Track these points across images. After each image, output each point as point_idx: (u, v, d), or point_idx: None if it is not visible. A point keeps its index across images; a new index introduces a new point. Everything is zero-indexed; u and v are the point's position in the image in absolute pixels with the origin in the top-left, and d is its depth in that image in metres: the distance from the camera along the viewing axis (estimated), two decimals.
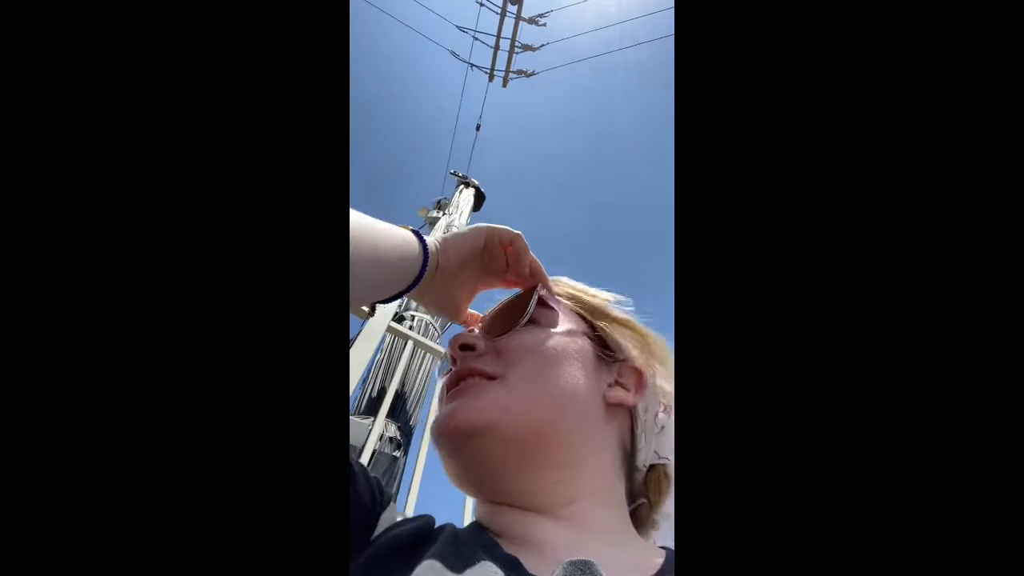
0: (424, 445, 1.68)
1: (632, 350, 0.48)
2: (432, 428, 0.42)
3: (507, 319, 0.46)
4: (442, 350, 2.30)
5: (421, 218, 4.91)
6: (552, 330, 0.45)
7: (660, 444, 0.49)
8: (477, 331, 0.48)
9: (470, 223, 4.88)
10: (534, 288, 0.48)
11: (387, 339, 2.50)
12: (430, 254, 0.46)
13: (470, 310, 0.53)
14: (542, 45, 8.10)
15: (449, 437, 0.40)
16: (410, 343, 2.27)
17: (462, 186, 5.27)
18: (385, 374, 2.40)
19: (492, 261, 0.50)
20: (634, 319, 0.51)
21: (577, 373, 0.43)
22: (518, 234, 0.49)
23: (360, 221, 0.39)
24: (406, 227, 0.46)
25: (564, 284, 0.53)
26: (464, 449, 0.40)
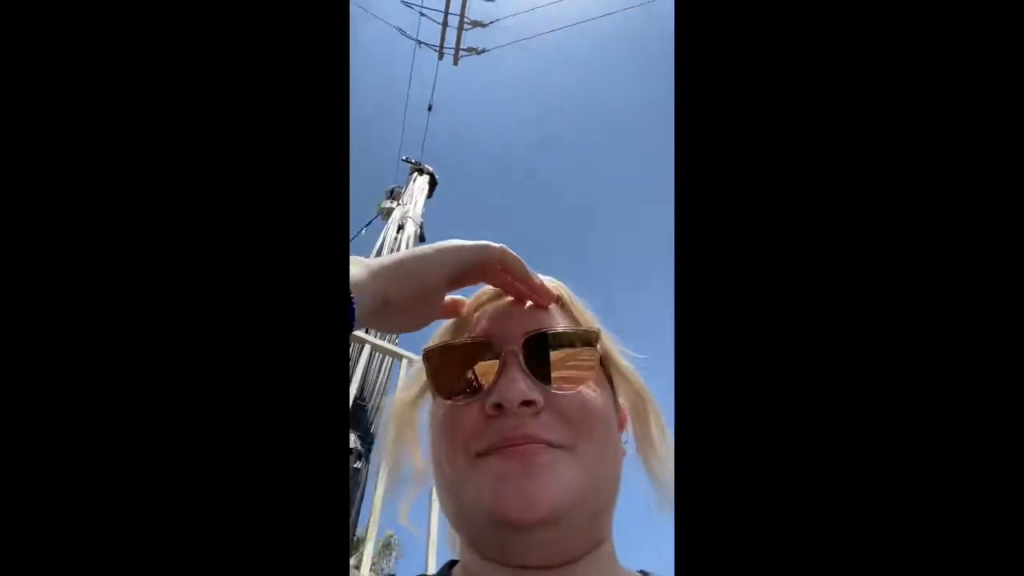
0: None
1: (623, 397, 0.45)
2: (493, 509, 0.34)
3: (563, 363, 0.38)
4: (403, 353, 2.23)
5: (376, 211, 4.75)
6: (601, 386, 0.40)
7: None
8: (526, 377, 0.37)
9: (424, 212, 4.77)
10: (595, 337, 0.41)
11: None
12: (369, 298, 0.37)
13: (450, 297, 0.44)
14: (492, 22, 7.89)
15: (525, 526, 0.33)
16: (367, 347, 2.21)
17: (415, 173, 5.13)
18: None
19: (471, 280, 0.43)
20: (635, 371, 0.46)
21: (619, 440, 0.41)
22: (506, 249, 0.41)
23: None
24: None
25: (580, 309, 0.46)
26: (527, 535, 0.34)
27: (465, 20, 7.48)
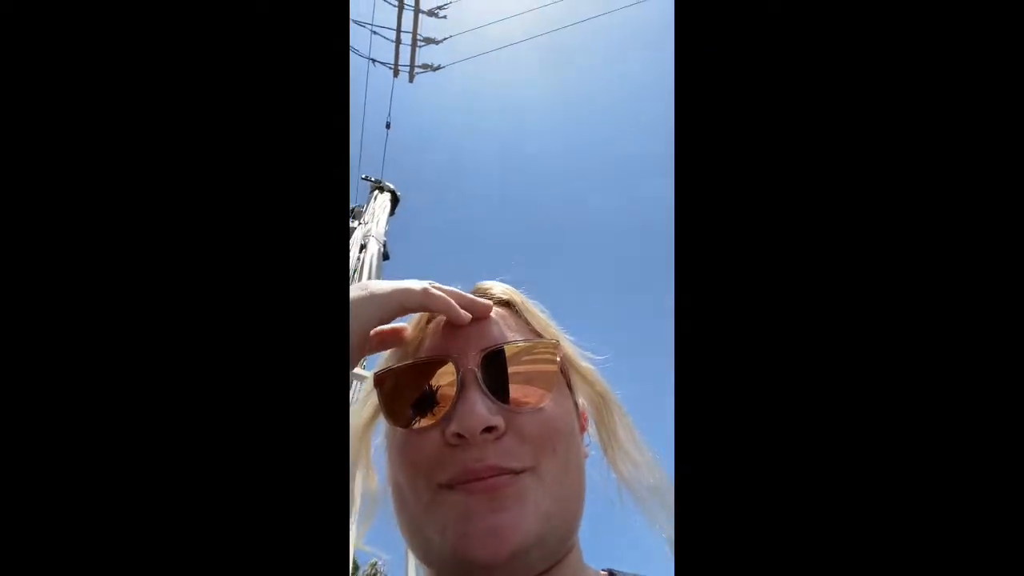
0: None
1: (583, 399, 0.45)
2: (459, 549, 0.33)
3: (522, 378, 0.37)
4: (361, 372, 2.16)
5: None
6: (562, 399, 0.39)
7: None
8: (485, 399, 0.36)
9: (387, 230, 4.72)
10: (553, 347, 0.40)
11: None
12: None
13: (388, 327, 0.42)
14: (445, 38, 7.95)
15: (494, 565, 0.32)
16: None
17: (376, 191, 5.08)
18: None
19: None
20: (594, 371, 0.46)
21: (581, 445, 0.40)
22: (426, 291, 0.38)
23: None
24: None
25: (534, 314, 0.44)
26: (494, 571, 0.33)
27: (418, 37, 7.51)
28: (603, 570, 0.42)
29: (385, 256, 4.47)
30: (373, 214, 4.67)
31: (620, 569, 0.43)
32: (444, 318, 0.40)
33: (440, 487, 0.35)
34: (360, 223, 4.50)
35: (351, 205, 4.99)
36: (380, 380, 0.39)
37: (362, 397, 0.45)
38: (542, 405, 0.37)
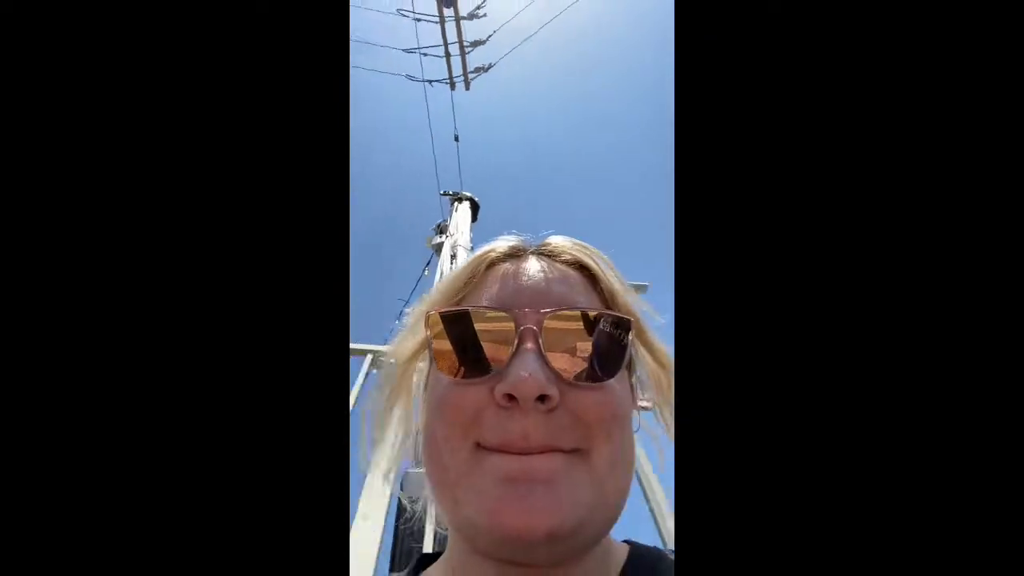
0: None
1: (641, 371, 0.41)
2: (493, 519, 0.31)
3: (588, 351, 0.34)
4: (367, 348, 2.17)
5: (429, 248, 4.96)
6: (624, 379, 0.36)
7: None
8: (544, 364, 0.33)
9: (472, 236, 4.88)
10: (628, 324, 0.36)
11: None
12: None
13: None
14: (490, 36, 8.01)
15: (526, 543, 0.30)
16: None
17: (456, 203, 5.29)
18: None
19: None
20: (663, 349, 0.41)
21: (633, 440, 0.37)
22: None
23: None
24: None
25: (610, 281, 0.39)
26: (531, 551, 0.31)
27: (465, 43, 7.66)
28: (623, 541, 0.40)
29: None
30: (457, 225, 4.86)
31: (638, 541, 0.40)
32: (516, 266, 0.37)
33: (479, 447, 0.32)
34: (447, 236, 4.72)
35: (437, 222, 5.25)
36: (431, 320, 0.36)
37: (410, 323, 0.42)
38: (605, 384, 0.33)
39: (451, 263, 4.29)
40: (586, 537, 0.32)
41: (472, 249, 4.72)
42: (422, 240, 5.15)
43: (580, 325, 0.34)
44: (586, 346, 0.34)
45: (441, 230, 5.06)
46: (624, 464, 0.34)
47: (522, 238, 0.42)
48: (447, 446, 0.33)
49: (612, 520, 0.34)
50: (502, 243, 0.40)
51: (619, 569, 0.36)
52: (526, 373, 0.31)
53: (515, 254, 0.39)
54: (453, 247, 4.45)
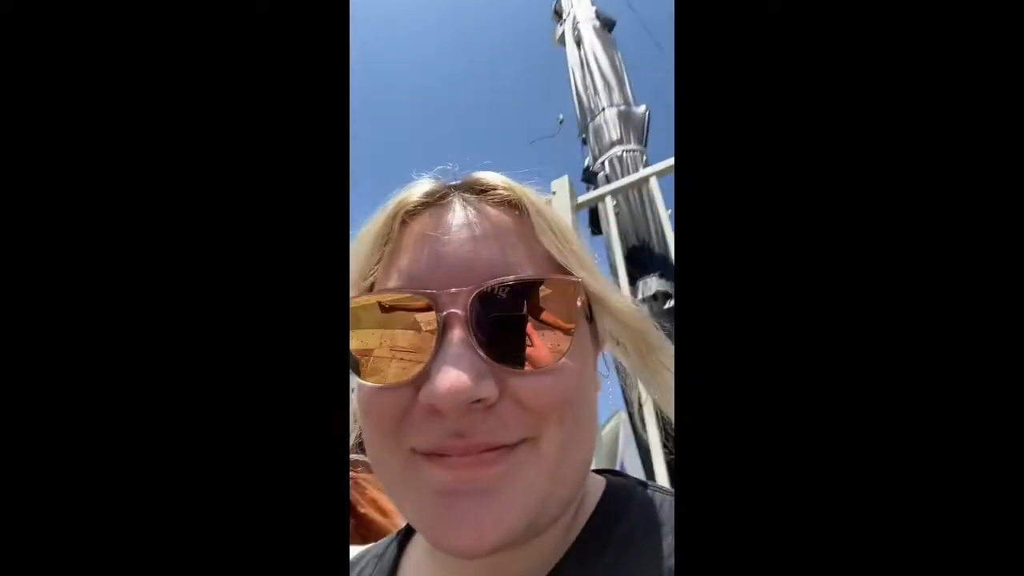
0: None
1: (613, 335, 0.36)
2: (434, 538, 0.28)
3: (529, 328, 0.29)
4: None
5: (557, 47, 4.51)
6: (580, 351, 0.31)
7: None
8: (474, 358, 0.28)
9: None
10: (576, 287, 0.31)
11: None
12: None
13: None
14: None
15: (478, 555, 0.27)
16: None
17: None
18: None
19: None
20: (631, 308, 0.35)
21: (596, 408, 0.33)
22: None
23: None
24: None
25: (550, 224, 0.33)
26: (479, 558, 0.28)
27: None
28: (603, 472, 0.37)
29: (608, 27, 4.09)
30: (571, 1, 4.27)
31: (619, 471, 0.39)
32: (421, 227, 0.31)
33: (414, 452, 0.29)
34: (561, 21, 4.23)
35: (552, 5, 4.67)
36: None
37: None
38: (552, 366, 0.29)
39: (578, 49, 3.93)
40: (542, 524, 0.30)
41: (597, 13, 4.10)
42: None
43: (519, 298, 0.29)
44: (528, 320, 0.29)
45: (558, 14, 4.52)
46: (580, 441, 0.30)
47: (442, 180, 0.35)
48: (381, 452, 0.30)
49: (573, 496, 0.31)
50: (418, 188, 0.34)
51: (591, 511, 0.34)
52: (448, 382, 0.26)
53: (434, 200, 0.32)
54: (574, 30, 4.02)
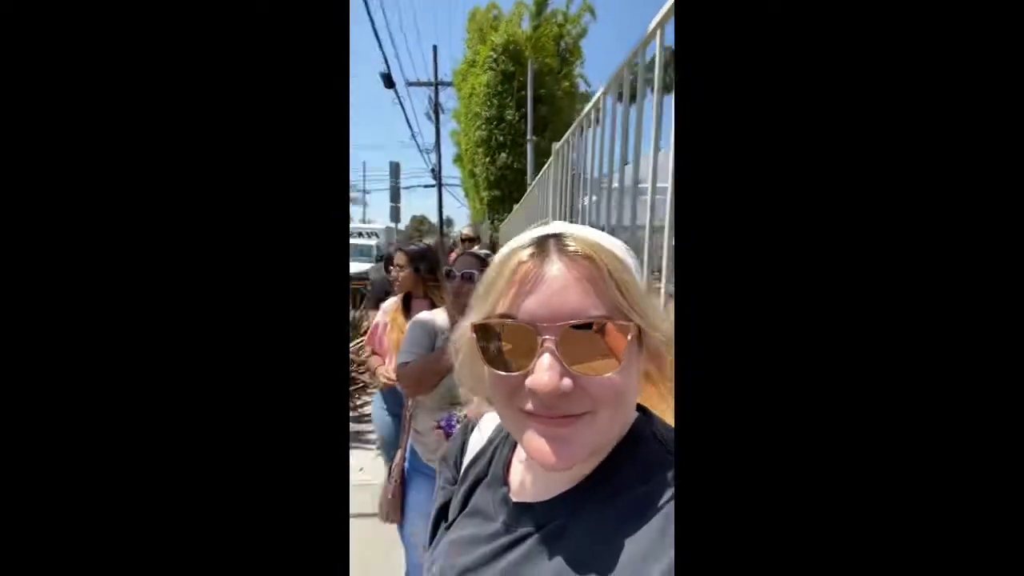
0: None
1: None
2: (528, 451, 0.46)
3: (595, 351, 0.45)
4: None
5: None
6: (629, 364, 0.46)
7: None
8: (559, 368, 0.44)
9: None
10: (629, 328, 0.46)
11: None
12: None
13: None
14: None
15: (552, 470, 0.46)
16: None
17: None
18: None
19: None
20: (667, 338, 0.49)
21: (635, 396, 0.49)
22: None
23: None
24: None
25: (616, 277, 0.47)
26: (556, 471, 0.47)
27: None
28: (642, 413, 0.53)
29: None
30: None
31: (653, 417, 0.54)
32: (532, 266, 0.46)
33: (520, 410, 0.47)
34: None
35: None
36: (477, 328, 0.48)
37: (461, 334, 0.54)
38: (607, 375, 0.45)
39: None
40: (597, 453, 0.49)
41: None
42: None
43: (590, 331, 0.44)
44: (594, 348, 0.45)
45: None
46: (621, 416, 0.48)
47: (545, 230, 0.51)
48: (502, 407, 0.49)
49: (612, 441, 0.50)
50: (527, 241, 0.50)
51: (617, 440, 0.50)
52: (544, 378, 0.43)
53: (538, 252, 0.48)
54: None
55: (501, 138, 9.39)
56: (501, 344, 0.47)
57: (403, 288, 2.16)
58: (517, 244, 0.50)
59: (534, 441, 0.46)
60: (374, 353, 2.15)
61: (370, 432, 2.84)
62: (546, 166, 2.88)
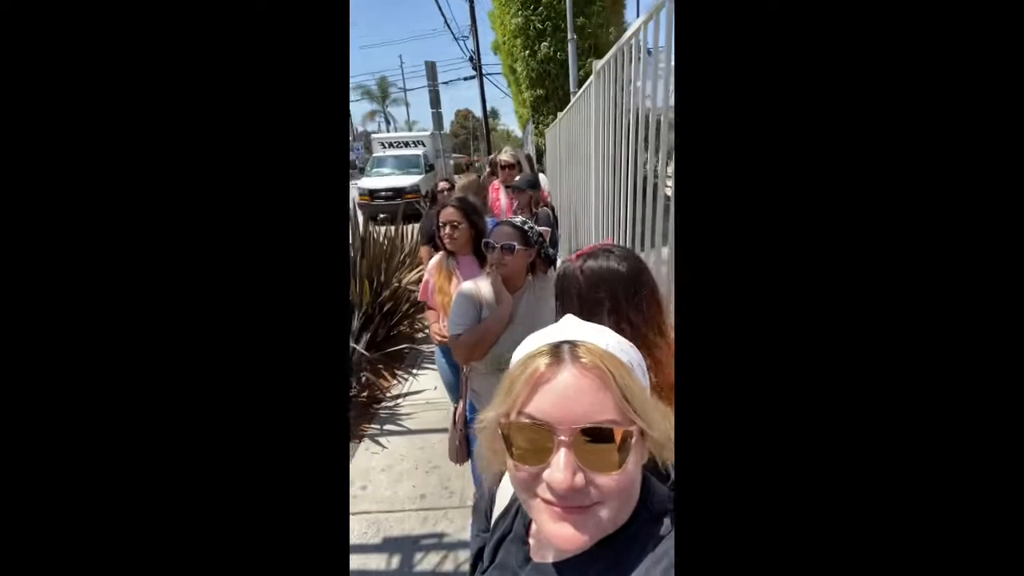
0: None
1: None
2: (540, 535, 0.56)
3: (606, 451, 0.51)
4: None
5: None
6: (635, 456, 0.53)
7: None
8: (574, 467, 0.51)
9: None
10: (636, 432, 0.52)
11: None
12: None
13: None
14: None
15: (563, 551, 0.55)
16: None
17: None
18: None
19: None
20: (668, 439, 0.55)
21: (639, 487, 0.56)
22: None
23: None
24: None
25: (626, 386, 0.54)
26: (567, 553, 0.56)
27: None
28: (649, 477, 0.59)
29: None
30: None
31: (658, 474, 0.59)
32: (549, 373, 0.53)
33: (535, 496, 0.53)
34: None
35: None
36: (502, 425, 0.55)
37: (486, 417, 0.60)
38: (615, 474, 0.51)
39: None
40: (599, 538, 0.53)
41: None
42: None
43: (600, 433, 0.51)
44: (603, 448, 0.51)
45: None
46: (627, 505, 0.55)
47: (558, 338, 0.57)
48: (522, 493, 0.55)
49: (619, 525, 0.55)
50: (544, 347, 0.56)
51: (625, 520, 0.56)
52: (559, 476, 0.49)
53: (554, 359, 0.55)
54: None
55: (540, 25, 8.54)
56: (522, 439, 0.53)
57: (463, 249, 2.08)
58: (535, 349, 0.57)
59: (549, 526, 0.53)
60: (428, 308, 2.25)
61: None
62: (587, 84, 2.65)
